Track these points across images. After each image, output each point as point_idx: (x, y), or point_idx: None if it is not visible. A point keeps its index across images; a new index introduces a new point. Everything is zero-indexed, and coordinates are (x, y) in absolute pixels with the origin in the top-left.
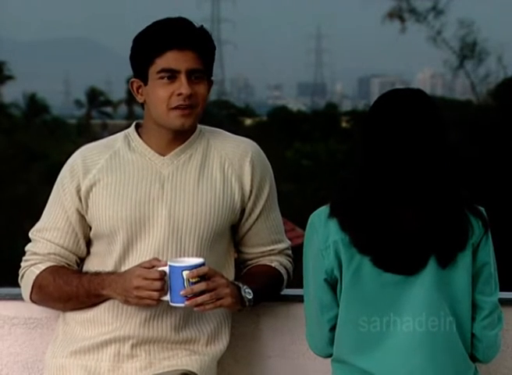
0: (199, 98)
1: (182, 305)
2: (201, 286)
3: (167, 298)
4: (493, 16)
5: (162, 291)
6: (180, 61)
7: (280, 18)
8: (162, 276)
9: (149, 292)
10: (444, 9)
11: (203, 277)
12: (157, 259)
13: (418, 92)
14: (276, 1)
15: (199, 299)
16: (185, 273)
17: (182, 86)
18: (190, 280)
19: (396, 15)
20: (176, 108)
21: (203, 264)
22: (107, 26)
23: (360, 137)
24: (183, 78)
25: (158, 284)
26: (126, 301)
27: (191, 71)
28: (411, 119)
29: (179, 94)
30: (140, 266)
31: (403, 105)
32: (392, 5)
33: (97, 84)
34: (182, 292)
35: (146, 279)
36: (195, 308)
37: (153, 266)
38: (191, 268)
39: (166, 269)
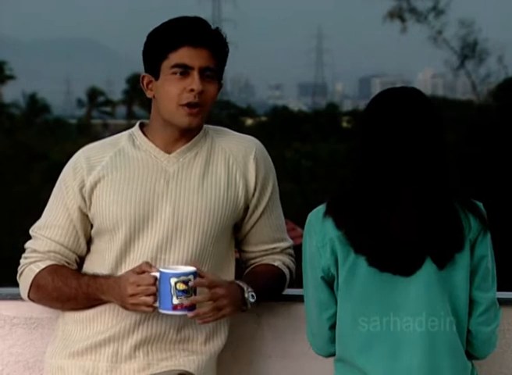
0: (208, 97)
1: (170, 312)
2: (197, 298)
3: (157, 304)
4: (493, 16)
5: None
6: (194, 57)
7: (280, 18)
8: (155, 281)
9: (144, 298)
10: (444, 9)
11: (189, 285)
12: (148, 264)
13: (413, 90)
14: (277, 1)
15: (189, 303)
16: (172, 280)
17: (194, 82)
18: (177, 287)
19: (397, 15)
20: (185, 105)
21: (194, 272)
22: (107, 26)
23: (357, 136)
24: (195, 74)
25: (153, 289)
26: (125, 308)
27: (204, 69)
28: (407, 117)
29: (191, 90)
30: (131, 271)
31: (397, 104)
32: (393, 5)
33: (97, 84)
34: (175, 301)
35: (140, 285)
36: (198, 321)
37: (143, 272)
38: (179, 275)
39: (158, 274)
